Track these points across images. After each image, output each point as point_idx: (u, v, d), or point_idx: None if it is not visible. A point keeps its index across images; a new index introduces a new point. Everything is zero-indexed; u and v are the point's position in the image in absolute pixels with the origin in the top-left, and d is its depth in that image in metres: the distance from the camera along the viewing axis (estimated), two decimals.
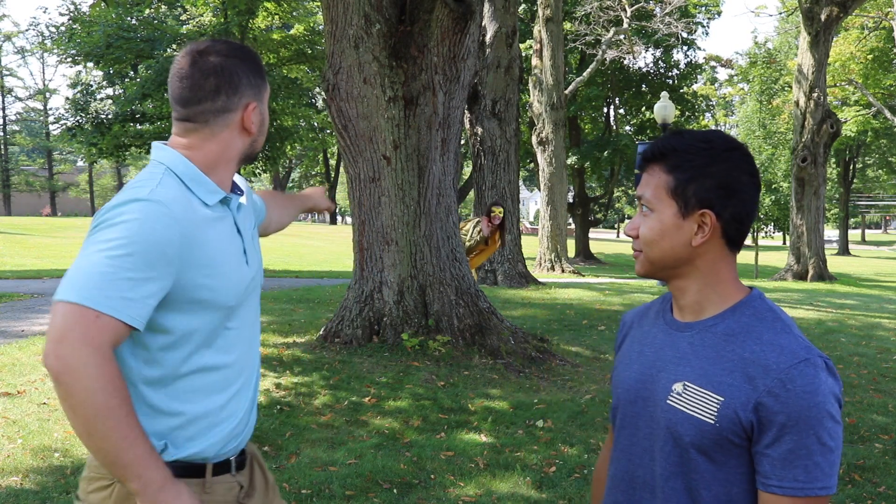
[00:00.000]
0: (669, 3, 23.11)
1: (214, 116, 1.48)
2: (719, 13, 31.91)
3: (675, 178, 1.23)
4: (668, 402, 1.23)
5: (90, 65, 29.64)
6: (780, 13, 32.76)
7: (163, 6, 29.22)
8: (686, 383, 1.22)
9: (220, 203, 1.51)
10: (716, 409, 1.17)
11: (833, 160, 40.72)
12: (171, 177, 1.45)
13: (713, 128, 43.43)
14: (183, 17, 28.16)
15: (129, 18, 26.13)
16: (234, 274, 1.49)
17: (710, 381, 1.19)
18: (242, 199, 1.60)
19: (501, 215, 9.06)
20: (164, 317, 1.39)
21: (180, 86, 1.48)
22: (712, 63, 39.36)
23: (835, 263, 25.80)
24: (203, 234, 1.42)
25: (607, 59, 24.13)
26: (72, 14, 29.20)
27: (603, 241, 47.64)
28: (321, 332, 6.33)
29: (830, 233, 52.13)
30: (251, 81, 1.52)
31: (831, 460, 1.13)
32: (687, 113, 30.74)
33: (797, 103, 17.49)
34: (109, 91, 37.35)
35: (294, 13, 28.96)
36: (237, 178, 1.64)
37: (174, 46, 25.39)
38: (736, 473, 1.18)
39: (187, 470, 1.46)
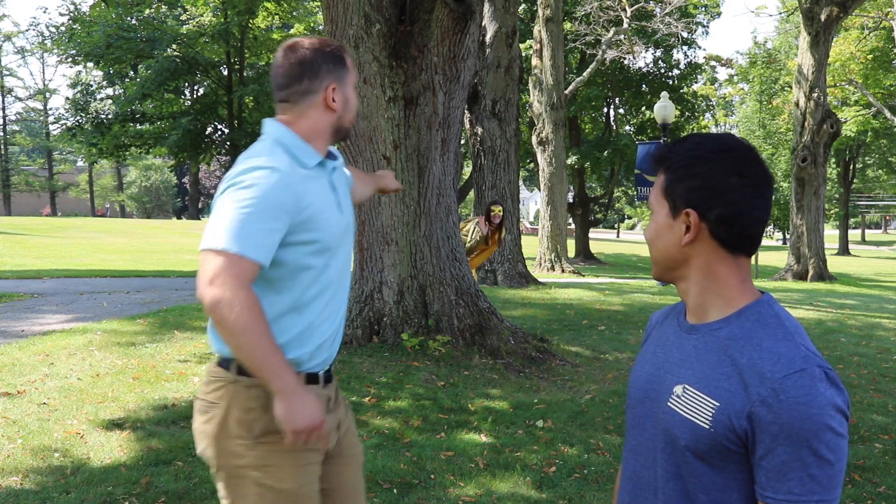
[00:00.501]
0: (669, 3, 23.10)
1: (301, 97, 1.86)
2: (719, 13, 31.89)
3: (667, 179, 1.26)
4: (669, 404, 1.23)
5: (90, 65, 29.64)
6: (780, 13, 32.79)
7: (163, 6, 29.21)
8: (686, 386, 1.21)
9: (318, 165, 1.86)
10: (711, 414, 1.15)
11: (833, 160, 40.72)
12: (279, 146, 1.82)
13: (713, 128, 43.44)
14: (183, 17, 28.16)
15: (129, 18, 26.13)
16: (331, 221, 1.86)
17: (707, 385, 1.18)
18: (337, 163, 1.96)
19: (501, 214, 9.06)
20: (282, 254, 1.77)
21: (276, 74, 1.87)
22: (712, 63, 39.31)
23: (835, 263, 25.80)
24: (307, 190, 1.79)
25: (607, 59, 24.10)
26: (72, 14, 29.19)
27: (603, 241, 47.57)
28: None
29: (830, 232, 52.12)
30: (330, 68, 1.87)
31: (830, 474, 1.09)
32: (687, 113, 30.68)
33: (797, 103, 17.49)
34: (109, 91, 37.39)
35: (294, 13, 28.98)
36: (332, 150, 1.99)
37: (174, 46, 25.39)
38: (735, 479, 1.16)
39: None
